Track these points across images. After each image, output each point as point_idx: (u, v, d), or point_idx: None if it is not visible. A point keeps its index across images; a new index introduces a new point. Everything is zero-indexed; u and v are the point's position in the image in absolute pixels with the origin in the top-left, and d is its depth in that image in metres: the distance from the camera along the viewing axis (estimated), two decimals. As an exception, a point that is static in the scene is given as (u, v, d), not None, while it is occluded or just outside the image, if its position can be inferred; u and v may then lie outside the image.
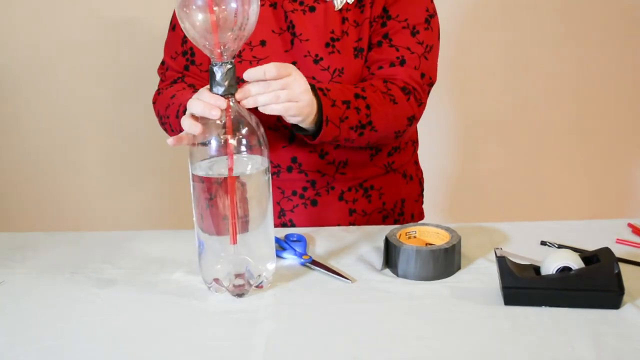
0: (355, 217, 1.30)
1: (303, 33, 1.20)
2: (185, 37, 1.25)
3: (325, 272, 1.03)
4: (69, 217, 2.18)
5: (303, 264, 1.06)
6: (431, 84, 1.24)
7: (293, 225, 1.28)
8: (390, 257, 1.04)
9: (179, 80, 1.28)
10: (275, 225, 1.24)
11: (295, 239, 1.14)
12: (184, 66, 1.28)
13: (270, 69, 0.97)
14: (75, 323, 0.92)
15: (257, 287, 0.98)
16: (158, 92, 1.29)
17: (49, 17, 2.03)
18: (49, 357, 0.85)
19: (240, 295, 0.97)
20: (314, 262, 1.06)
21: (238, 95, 0.95)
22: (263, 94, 0.97)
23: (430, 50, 1.22)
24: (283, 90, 0.99)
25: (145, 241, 1.19)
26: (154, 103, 1.29)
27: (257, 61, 1.21)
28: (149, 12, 1.99)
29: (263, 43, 1.21)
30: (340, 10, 1.20)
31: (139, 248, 1.16)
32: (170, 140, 1.01)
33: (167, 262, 1.10)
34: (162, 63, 1.32)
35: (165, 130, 1.26)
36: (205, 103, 0.95)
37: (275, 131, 1.23)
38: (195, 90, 1.12)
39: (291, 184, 1.27)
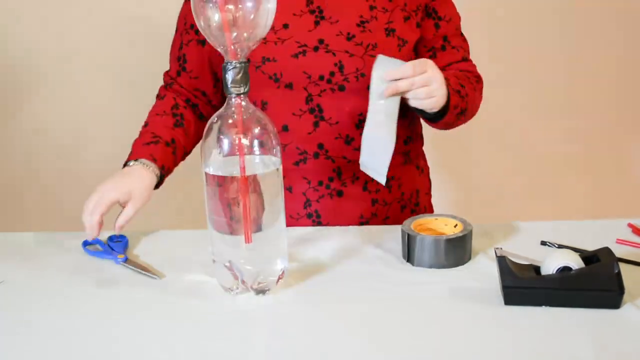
0: (377, 207, 1.30)
1: (332, 16, 1.23)
2: (181, 43, 1.30)
3: (137, 269, 1.07)
4: (68, 217, 2.18)
5: (118, 263, 1.10)
6: None
7: (318, 216, 1.28)
8: (410, 247, 1.06)
9: (168, 88, 1.34)
10: (301, 216, 1.26)
11: (117, 239, 1.18)
12: (176, 71, 1.33)
13: (407, 70, 1.08)
14: (75, 323, 0.92)
15: (268, 287, 0.98)
16: (159, 97, 1.35)
17: (51, 17, 2.03)
18: (49, 357, 0.85)
19: (260, 292, 0.98)
20: (128, 261, 1.10)
21: (387, 92, 1.08)
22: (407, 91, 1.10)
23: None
24: (423, 88, 1.10)
25: (145, 241, 1.19)
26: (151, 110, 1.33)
27: (282, 42, 1.22)
28: (151, 12, 2.00)
29: (286, 26, 1.23)
30: None
31: (140, 248, 1.16)
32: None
33: (168, 262, 1.10)
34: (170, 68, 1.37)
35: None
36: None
37: (299, 118, 1.24)
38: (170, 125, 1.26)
39: (317, 174, 1.27)
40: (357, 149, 1.25)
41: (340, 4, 1.23)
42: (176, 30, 1.33)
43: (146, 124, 1.27)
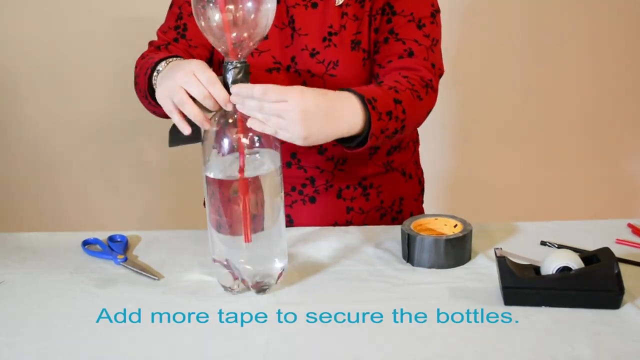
0: (353, 215, 1.30)
1: (302, 28, 1.21)
2: (180, 14, 1.25)
3: (137, 270, 1.07)
4: (69, 217, 2.18)
5: (118, 263, 1.09)
6: (440, 75, 1.23)
7: (291, 221, 1.28)
8: (410, 247, 1.06)
9: (162, 48, 1.24)
10: None
11: (118, 240, 1.18)
12: (173, 38, 1.25)
13: (258, 91, 0.92)
14: (75, 323, 0.92)
15: (268, 286, 0.98)
16: (141, 58, 1.24)
17: (50, 16, 2.03)
18: (49, 357, 0.85)
19: (260, 292, 0.98)
20: (128, 261, 1.10)
21: (233, 98, 0.93)
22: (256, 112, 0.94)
23: (437, 44, 1.22)
24: (274, 118, 0.94)
25: (145, 241, 1.19)
26: (135, 67, 1.23)
27: (259, 53, 1.22)
28: (151, 12, 1.99)
29: (265, 36, 1.22)
30: (341, 5, 1.20)
31: (140, 248, 1.16)
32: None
33: (168, 262, 1.10)
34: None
35: (136, 91, 1.21)
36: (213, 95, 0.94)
37: None
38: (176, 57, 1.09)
39: (290, 180, 1.27)
40: (330, 159, 1.26)
41: (312, 13, 1.21)
42: (171, 5, 1.27)
43: (151, 58, 1.14)
